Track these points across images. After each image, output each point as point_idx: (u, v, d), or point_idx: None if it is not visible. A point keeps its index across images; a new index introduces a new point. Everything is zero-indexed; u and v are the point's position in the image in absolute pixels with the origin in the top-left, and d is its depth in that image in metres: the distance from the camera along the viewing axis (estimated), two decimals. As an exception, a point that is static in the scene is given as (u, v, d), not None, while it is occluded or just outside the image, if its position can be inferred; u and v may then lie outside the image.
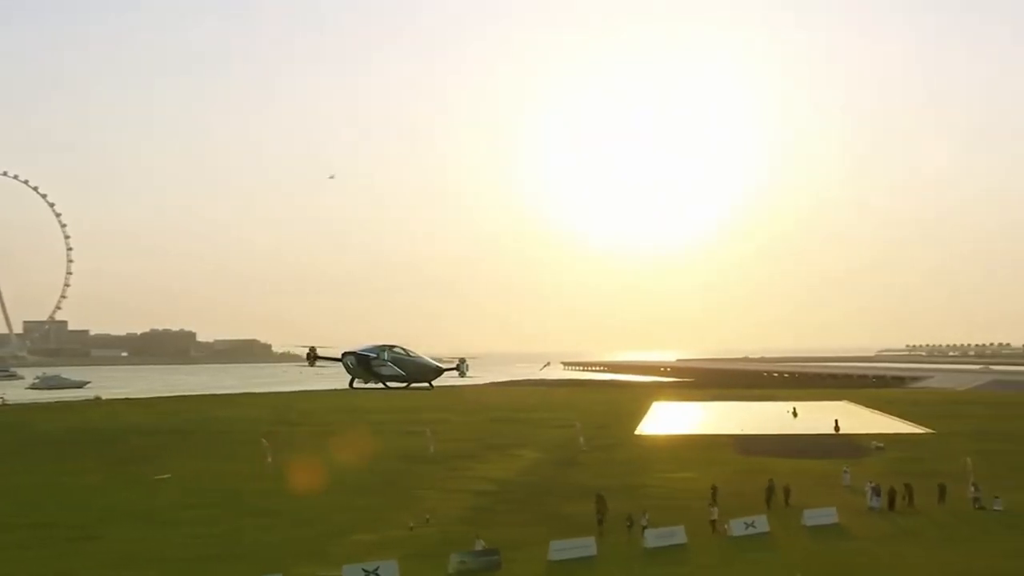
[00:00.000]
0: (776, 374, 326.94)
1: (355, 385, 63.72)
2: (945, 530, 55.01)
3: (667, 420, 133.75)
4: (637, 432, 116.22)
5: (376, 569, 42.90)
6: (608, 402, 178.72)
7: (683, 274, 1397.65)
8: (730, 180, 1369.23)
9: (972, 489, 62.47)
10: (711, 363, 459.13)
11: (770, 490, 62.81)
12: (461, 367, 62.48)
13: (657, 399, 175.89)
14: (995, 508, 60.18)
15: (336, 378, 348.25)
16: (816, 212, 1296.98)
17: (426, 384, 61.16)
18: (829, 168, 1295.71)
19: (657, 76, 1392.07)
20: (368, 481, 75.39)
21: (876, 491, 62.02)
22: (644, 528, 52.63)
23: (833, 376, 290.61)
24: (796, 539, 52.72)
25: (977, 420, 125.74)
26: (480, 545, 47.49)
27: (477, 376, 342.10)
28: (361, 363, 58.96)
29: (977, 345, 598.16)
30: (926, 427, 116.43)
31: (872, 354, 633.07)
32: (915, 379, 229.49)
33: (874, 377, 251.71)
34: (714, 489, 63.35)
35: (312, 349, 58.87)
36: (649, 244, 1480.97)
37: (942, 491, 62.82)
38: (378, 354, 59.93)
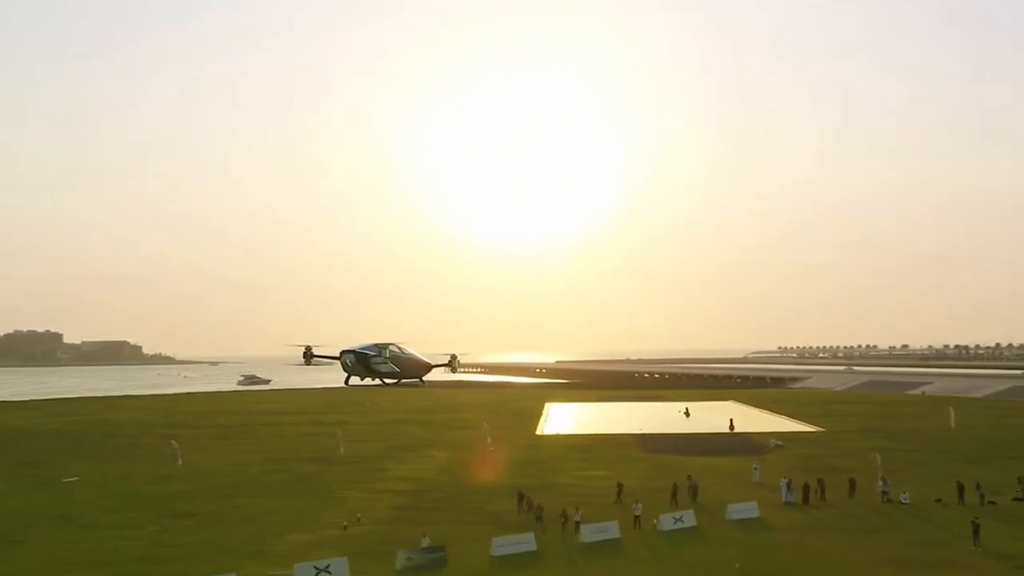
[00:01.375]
0: (657, 375, 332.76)
1: (350, 383, 64.14)
2: (859, 522, 57.25)
3: (565, 420, 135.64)
4: (539, 432, 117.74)
5: (327, 567, 42.86)
6: (502, 403, 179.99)
7: (559, 277, 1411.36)
8: (604, 185, 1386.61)
9: (880, 483, 65.22)
10: (592, 364, 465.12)
11: (676, 487, 64.13)
12: (453, 363, 63.10)
13: (549, 400, 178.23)
14: (903, 501, 62.96)
15: (218, 380, 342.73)
16: (689, 217, 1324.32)
17: (417, 380, 61.94)
18: (702, 174, 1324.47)
19: (537, 80, 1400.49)
20: (284, 482, 74.81)
21: (789, 486, 64.31)
22: (578, 524, 53.65)
23: (715, 377, 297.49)
24: (723, 532, 54.28)
25: (862, 419, 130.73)
26: (426, 542, 47.78)
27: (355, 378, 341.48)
28: (360, 361, 59.28)
29: (846, 347, 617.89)
30: (816, 426, 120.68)
31: (745, 355, 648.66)
32: (794, 380, 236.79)
33: (754, 378, 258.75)
34: (620, 486, 65.19)
35: (308, 348, 58.71)
36: (525, 246, 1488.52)
37: (852, 485, 65.45)
38: (379, 352, 60.38)
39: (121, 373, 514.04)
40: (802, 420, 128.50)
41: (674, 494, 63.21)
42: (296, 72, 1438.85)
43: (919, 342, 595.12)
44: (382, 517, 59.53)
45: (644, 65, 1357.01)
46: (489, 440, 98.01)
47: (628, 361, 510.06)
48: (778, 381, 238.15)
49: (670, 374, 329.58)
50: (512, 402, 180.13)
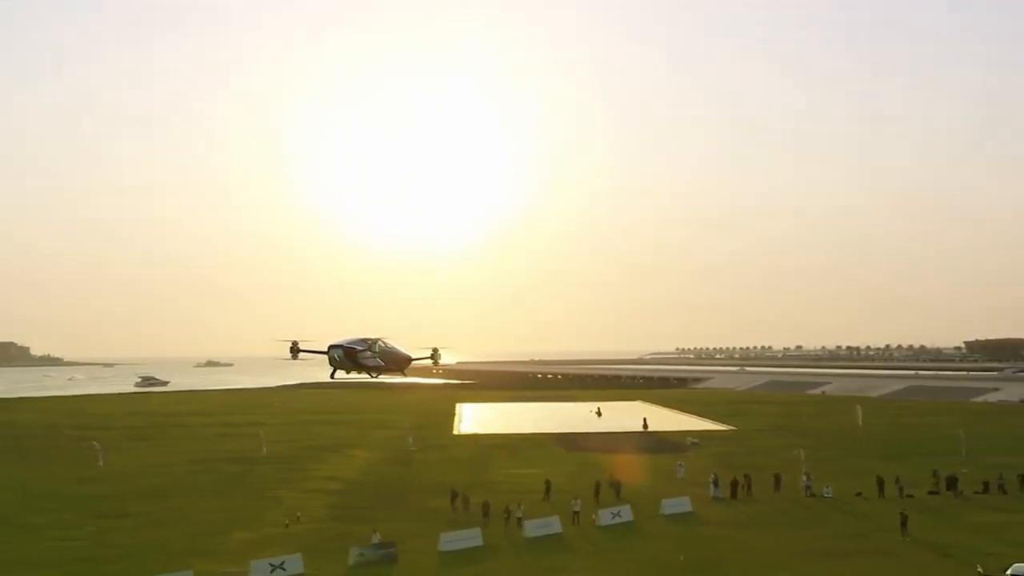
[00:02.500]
0: (560, 376, 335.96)
1: (335, 376, 64.89)
2: (788, 516, 59.26)
3: (480, 420, 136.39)
4: (456, 432, 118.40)
5: (282, 563, 43.13)
6: (412, 403, 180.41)
7: (455, 277, 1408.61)
8: (502, 187, 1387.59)
9: (804, 478, 67.52)
10: (494, 365, 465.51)
11: (598, 485, 65.37)
12: (435, 356, 63.88)
13: (459, 401, 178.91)
14: (826, 495, 65.33)
15: (114, 382, 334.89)
16: (587, 219, 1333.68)
17: (399, 372, 62.82)
18: (600, 177, 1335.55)
19: (437, 78, 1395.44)
20: (213, 482, 74.28)
21: (717, 482, 66.21)
22: (519, 519, 54.58)
23: (618, 377, 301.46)
24: (659, 527, 55.71)
25: (770, 418, 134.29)
26: (376, 538, 48.19)
27: (257, 379, 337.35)
28: (348, 355, 59.82)
29: (742, 348, 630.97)
30: (727, 424, 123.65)
31: (640, 356, 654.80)
32: (697, 380, 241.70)
33: (658, 379, 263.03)
34: (547, 483, 66.40)
35: (295, 343, 59.04)
36: (421, 245, 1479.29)
37: (777, 481, 67.64)
38: (367, 346, 60.70)
39: (13, 375, 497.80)
40: (712, 419, 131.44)
41: (597, 491, 64.36)
42: (186, 70, 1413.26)
43: (812, 343, 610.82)
44: (320, 516, 59.71)
45: (547, 63, 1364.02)
46: (411, 440, 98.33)
47: (531, 362, 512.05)
48: (682, 382, 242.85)
49: (574, 375, 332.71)
50: (420, 403, 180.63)
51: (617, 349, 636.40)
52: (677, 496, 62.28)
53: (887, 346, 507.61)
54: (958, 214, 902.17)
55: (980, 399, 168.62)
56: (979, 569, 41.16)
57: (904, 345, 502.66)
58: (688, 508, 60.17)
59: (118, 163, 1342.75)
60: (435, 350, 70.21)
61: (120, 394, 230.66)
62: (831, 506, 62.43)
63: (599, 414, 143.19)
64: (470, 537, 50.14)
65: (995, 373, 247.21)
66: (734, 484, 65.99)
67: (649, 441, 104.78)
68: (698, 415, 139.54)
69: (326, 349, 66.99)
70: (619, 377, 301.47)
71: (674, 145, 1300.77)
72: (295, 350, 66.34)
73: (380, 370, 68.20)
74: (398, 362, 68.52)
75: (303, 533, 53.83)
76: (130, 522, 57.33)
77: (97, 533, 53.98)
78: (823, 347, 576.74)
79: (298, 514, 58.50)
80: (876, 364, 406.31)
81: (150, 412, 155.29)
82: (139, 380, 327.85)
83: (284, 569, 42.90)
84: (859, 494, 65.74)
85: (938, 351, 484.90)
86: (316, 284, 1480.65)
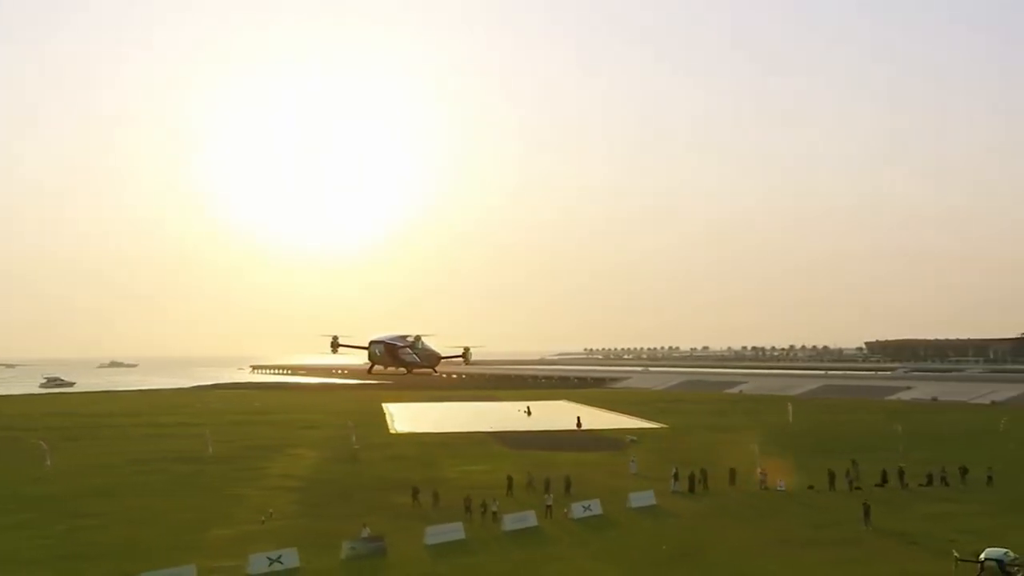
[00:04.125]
0: (464, 376, 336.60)
1: (373, 371, 66.51)
2: (749, 508, 61.01)
3: (412, 419, 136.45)
4: (393, 431, 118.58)
5: (279, 557, 43.48)
6: (338, 403, 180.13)
7: (357, 277, 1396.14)
8: (405, 186, 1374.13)
9: (759, 472, 69.56)
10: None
11: (548, 481, 66.06)
12: (467, 355, 65.16)
13: (383, 400, 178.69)
14: (779, 488, 67.43)
15: (18, 383, 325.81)
16: (489, 220, 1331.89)
17: (431, 369, 65.00)
18: (502, 179, 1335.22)
19: (339, 77, 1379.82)
20: (166, 482, 73.79)
21: (677, 476, 67.85)
22: (495, 513, 55.46)
23: (535, 378, 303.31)
24: (630, 519, 57.07)
25: (697, 416, 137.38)
26: (366, 532, 48.63)
27: (167, 380, 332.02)
28: (389, 351, 60.85)
29: (650, 348, 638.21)
30: (657, 422, 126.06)
31: (542, 356, 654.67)
32: (615, 380, 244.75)
33: (576, 379, 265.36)
34: (510, 479, 67.30)
35: (335, 338, 59.75)
36: (322, 245, 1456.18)
37: (732, 475, 69.57)
38: (406, 343, 62.00)
39: None
40: (642, 417, 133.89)
41: (547, 487, 65.00)
42: (84, 68, 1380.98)
43: (718, 344, 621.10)
44: (291, 512, 59.82)
45: (449, 62, 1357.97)
46: (354, 438, 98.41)
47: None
48: (599, 381, 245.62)
49: (485, 375, 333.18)
50: (344, 403, 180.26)
51: (519, 350, 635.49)
52: (642, 490, 63.66)
53: (791, 346, 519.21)
54: (858, 217, 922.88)
55: (894, 397, 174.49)
56: (955, 554, 43.17)
57: (808, 346, 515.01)
58: (653, 501, 61.72)
59: (21, 161, 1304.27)
60: (466, 349, 71.49)
61: (30, 395, 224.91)
62: (787, 499, 64.52)
63: (529, 413, 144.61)
64: (453, 531, 50.87)
65: (888, 373, 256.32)
66: (692, 478, 67.72)
67: (588, 439, 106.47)
68: (627, 413, 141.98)
69: (366, 345, 67.65)
70: (535, 377, 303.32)
71: (577, 144, 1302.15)
72: (335, 344, 66.88)
73: (416, 366, 69.19)
74: (432, 359, 70.13)
75: (281, 529, 53.86)
76: (96, 521, 56.71)
77: (69, 532, 53.34)
78: (729, 347, 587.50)
79: (271, 511, 58.50)
80: (782, 364, 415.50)
81: (68, 413, 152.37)
82: (44, 381, 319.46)
83: (281, 563, 43.31)
84: (811, 487, 67.99)
85: (840, 351, 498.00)
86: (218, 284, 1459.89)
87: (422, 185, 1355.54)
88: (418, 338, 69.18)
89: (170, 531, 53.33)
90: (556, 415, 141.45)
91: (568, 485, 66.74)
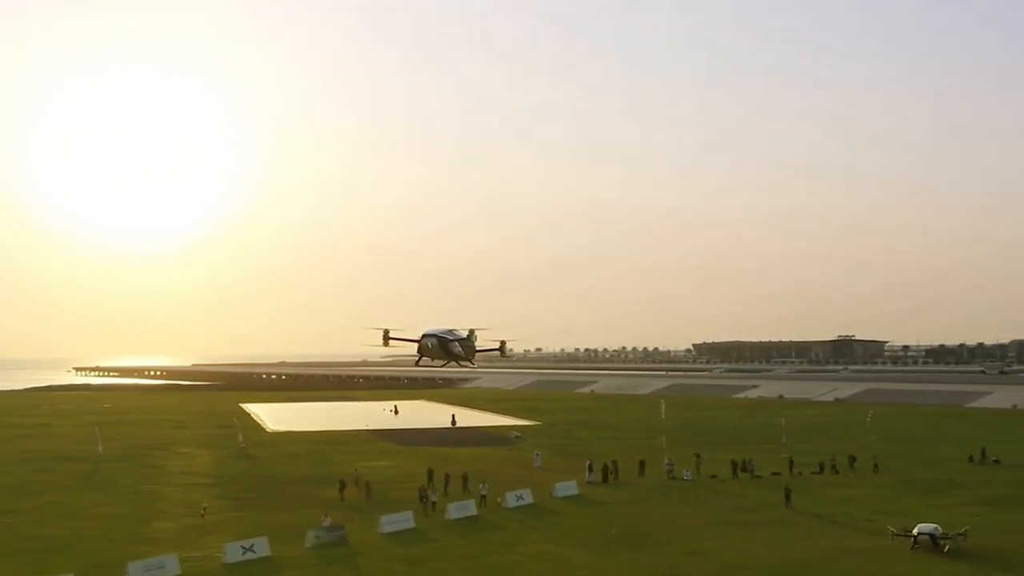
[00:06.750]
0: (285, 376, 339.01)
1: (421, 364, 68.40)
2: (667, 495, 63.95)
3: (280, 419, 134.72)
4: (270, 430, 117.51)
5: (252, 546, 43.77)
6: (193, 403, 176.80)
7: (165, 278, 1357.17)
8: (221, 183, 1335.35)
9: (667, 463, 72.79)
10: (226, 367, 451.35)
11: (448, 476, 67.38)
12: (503, 349, 66.19)
13: (241, 401, 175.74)
14: (685, 478, 70.72)
15: None
16: (308, 222, 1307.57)
17: (469, 361, 66.72)
18: (320, 181, 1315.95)
19: (148, 73, 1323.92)
20: (67, 479, 72.26)
21: (592, 467, 70.45)
22: (434, 503, 56.89)
23: (366, 378, 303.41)
24: (562, 507, 59.13)
25: (566, 413, 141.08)
26: (327, 522, 49.15)
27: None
28: (441, 344, 61.65)
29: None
30: (529, 420, 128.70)
31: (364, 359, 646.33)
32: (464, 380, 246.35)
33: (423, 379, 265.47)
34: (430, 472, 68.38)
35: (386, 331, 59.56)
36: (128, 245, 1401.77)
37: (641, 466, 72.65)
38: (455, 337, 63.17)
39: None
40: (510, 415, 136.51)
41: (446, 482, 66.23)
42: None
43: (551, 345, 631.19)
44: (222, 507, 59.49)
45: (269, 59, 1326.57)
46: (241, 437, 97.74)
47: (271, 364, 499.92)
48: (449, 381, 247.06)
49: (317, 376, 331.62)
50: (193, 404, 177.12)
51: (337, 352, 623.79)
52: (565, 480, 65.75)
53: (623, 348, 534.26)
54: (687, 220, 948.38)
55: (742, 395, 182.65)
56: (891, 529, 46.98)
57: (639, 348, 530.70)
58: (577, 491, 64.01)
59: None
60: (503, 343, 73.22)
61: None
62: (697, 487, 67.73)
63: (396, 412, 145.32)
64: (405, 520, 51.86)
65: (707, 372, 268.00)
66: (605, 469, 70.39)
67: (473, 435, 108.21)
68: (493, 412, 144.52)
69: (418, 338, 69.06)
70: (366, 378, 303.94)
71: (405, 144, 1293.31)
72: (387, 338, 67.88)
73: (462, 358, 71.12)
74: (470, 352, 72.41)
75: (223, 522, 53.69)
76: (25, 517, 55.26)
77: (7, 527, 51.86)
78: (561, 349, 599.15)
79: (205, 505, 58.15)
80: (614, 365, 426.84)
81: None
82: None
83: (254, 551, 43.64)
84: (714, 476, 71.55)
85: (669, 353, 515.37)
86: (26, 281, 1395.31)
87: (241, 186, 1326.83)
88: (472, 332, 71.25)
89: (108, 525, 52.65)
90: (423, 414, 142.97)
91: (466, 480, 67.54)
